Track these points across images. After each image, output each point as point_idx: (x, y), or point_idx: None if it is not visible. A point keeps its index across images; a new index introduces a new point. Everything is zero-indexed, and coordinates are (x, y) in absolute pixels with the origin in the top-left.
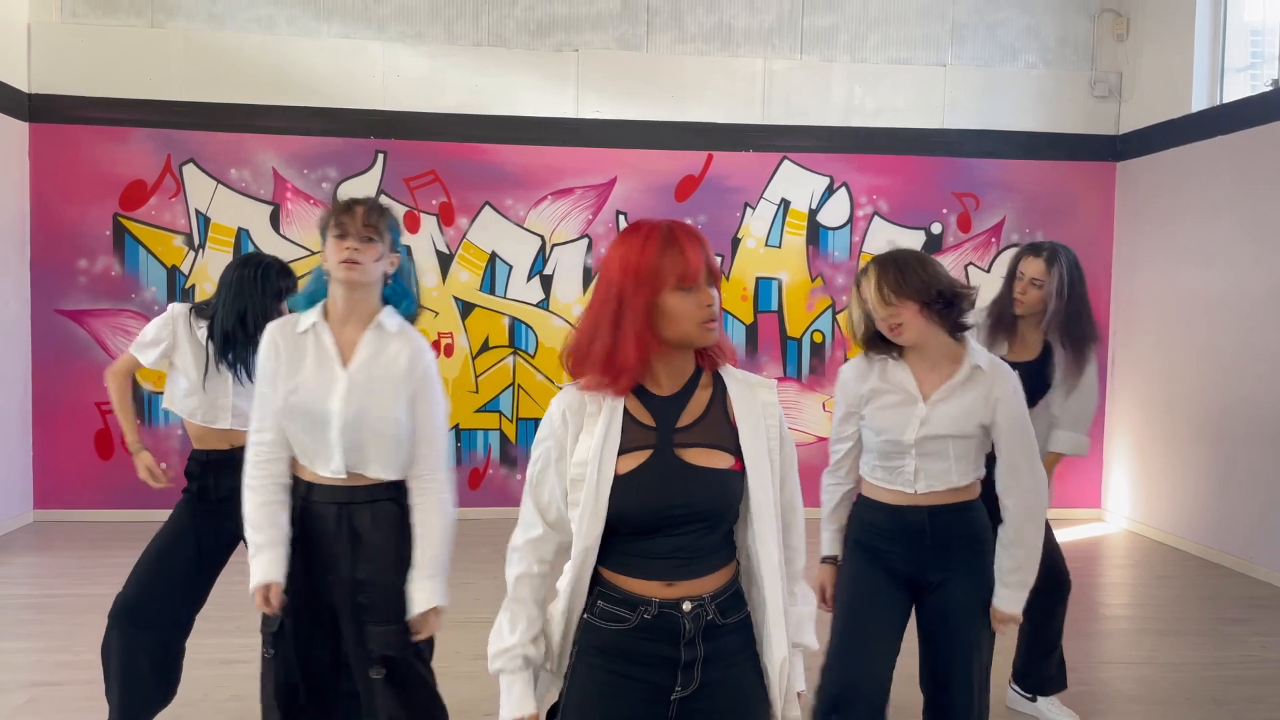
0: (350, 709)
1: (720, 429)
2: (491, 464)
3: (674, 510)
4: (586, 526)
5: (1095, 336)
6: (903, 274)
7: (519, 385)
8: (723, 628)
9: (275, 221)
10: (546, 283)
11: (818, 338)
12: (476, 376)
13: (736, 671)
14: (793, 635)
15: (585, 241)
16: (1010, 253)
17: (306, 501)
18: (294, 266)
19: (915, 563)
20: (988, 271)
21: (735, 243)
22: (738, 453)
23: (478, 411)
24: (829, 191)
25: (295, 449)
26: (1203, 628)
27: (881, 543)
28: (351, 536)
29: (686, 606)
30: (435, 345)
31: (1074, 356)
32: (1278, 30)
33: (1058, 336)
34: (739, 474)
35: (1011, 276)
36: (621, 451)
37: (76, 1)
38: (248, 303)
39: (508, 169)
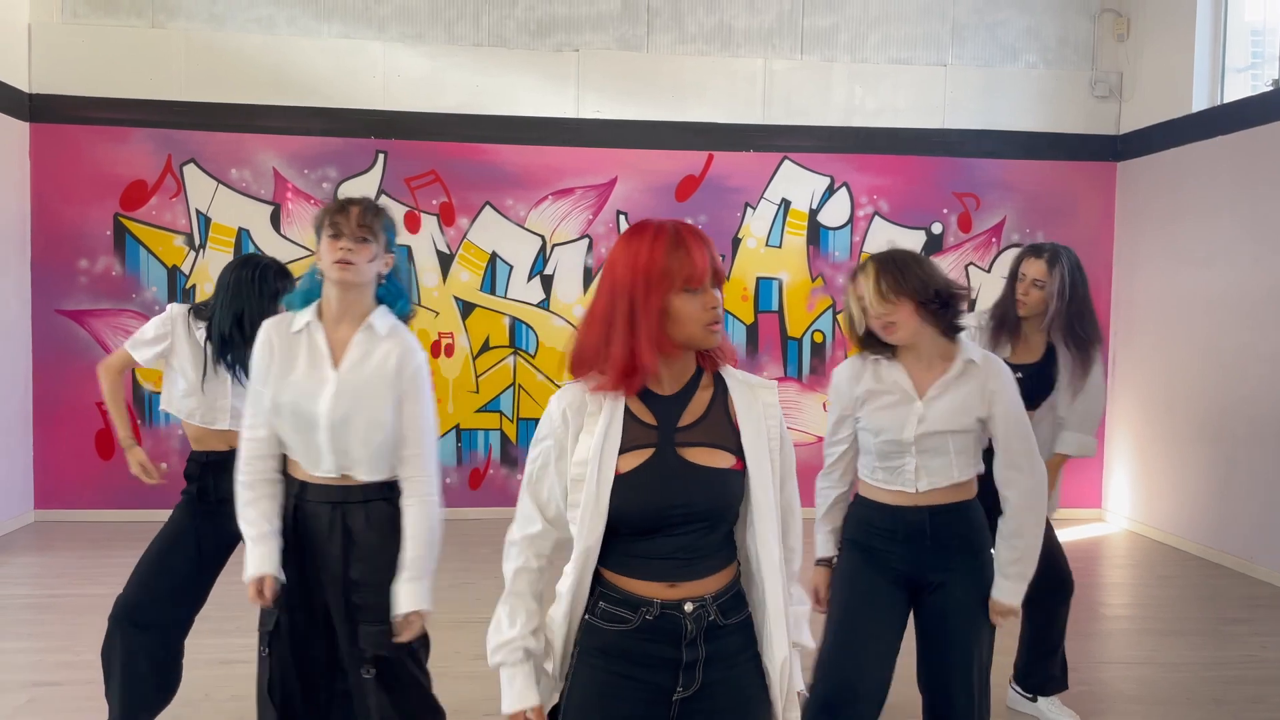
0: (345, 709)
1: (722, 429)
2: (492, 464)
3: (675, 510)
4: (587, 526)
5: (1099, 338)
6: (903, 273)
7: (519, 385)
8: (724, 628)
9: (276, 221)
10: (547, 283)
11: (818, 338)
12: (477, 376)
13: (737, 672)
14: (791, 634)
15: (586, 241)
16: (1011, 253)
17: (300, 501)
18: (295, 267)
19: (915, 563)
20: (988, 272)
21: (736, 243)
22: (739, 453)
23: (478, 411)
24: (829, 191)
25: (287, 448)
26: (1203, 628)
27: (880, 543)
28: (345, 536)
29: (688, 607)
30: (436, 345)
31: (1078, 357)
32: (1278, 30)
33: (1061, 338)
34: (740, 474)
35: (1013, 278)
36: (623, 450)
37: (77, 2)
38: (245, 304)
39: (508, 169)
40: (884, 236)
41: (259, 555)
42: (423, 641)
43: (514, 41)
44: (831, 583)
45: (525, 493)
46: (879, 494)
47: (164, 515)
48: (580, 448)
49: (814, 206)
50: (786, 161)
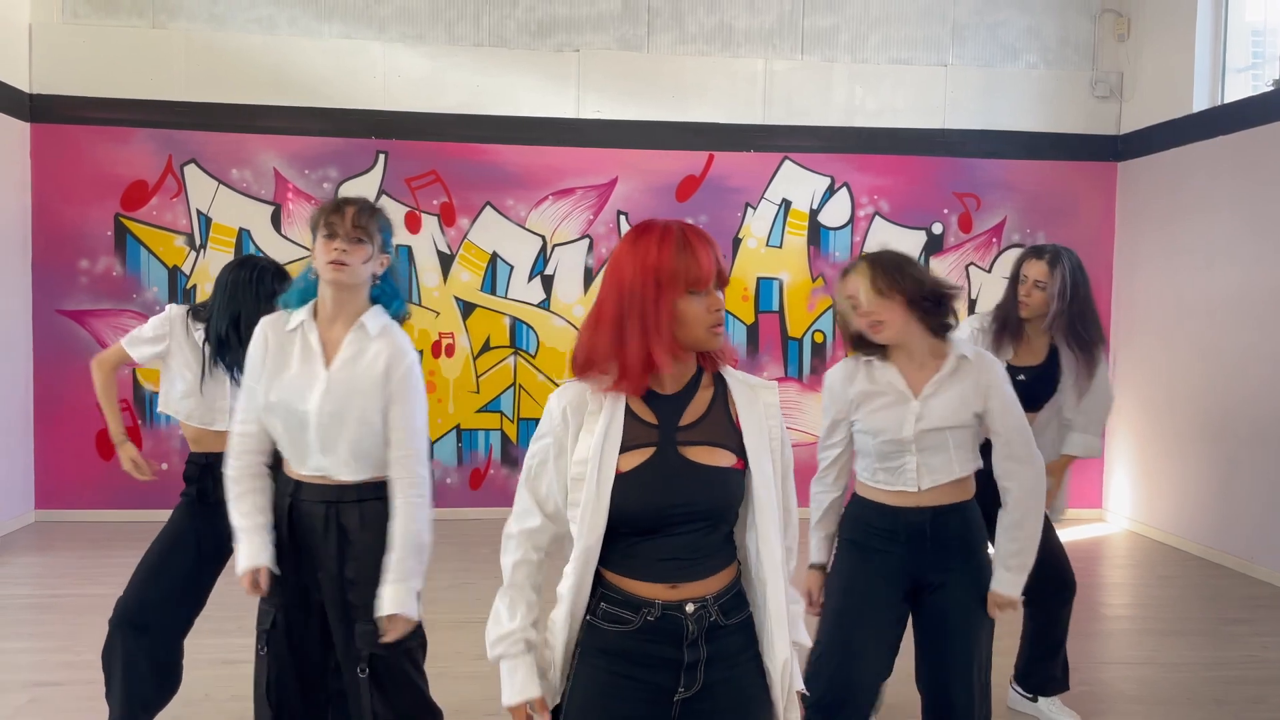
0: (342, 708)
1: (723, 428)
2: (493, 464)
3: (676, 509)
4: (588, 526)
5: (1101, 338)
6: (896, 271)
7: (520, 385)
8: (725, 628)
9: (276, 222)
10: (547, 283)
11: (818, 338)
12: (478, 377)
13: (739, 672)
14: (790, 634)
15: (586, 242)
16: (1011, 253)
17: (295, 500)
18: (295, 267)
19: (915, 564)
20: (989, 272)
21: (736, 243)
22: (740, 452)
23: (479, 412)
24: (830, 192)
25: (279, 445)
26: (1204, 628)
27: (879, 543)
28: (340, 535)
29: (690, 608)
30: (436, 345)
31: (1082, 358)
32: (1279, 30)
33: (1063, 339)
34: (741, 473)
35: (1015, 280)
36: (624, 449)
37: (78, 2)
38: (241, 306)
39: (509, 169)
40: (884, 236)
41: (252, 547)
42: (419, 641)
43: (514, 42)
44: (827, 582)
45: (523, 488)
46: (879, 495)
47: (164, 515)
48: (580, 446)
49: (814, 207)
50: (787, 162)
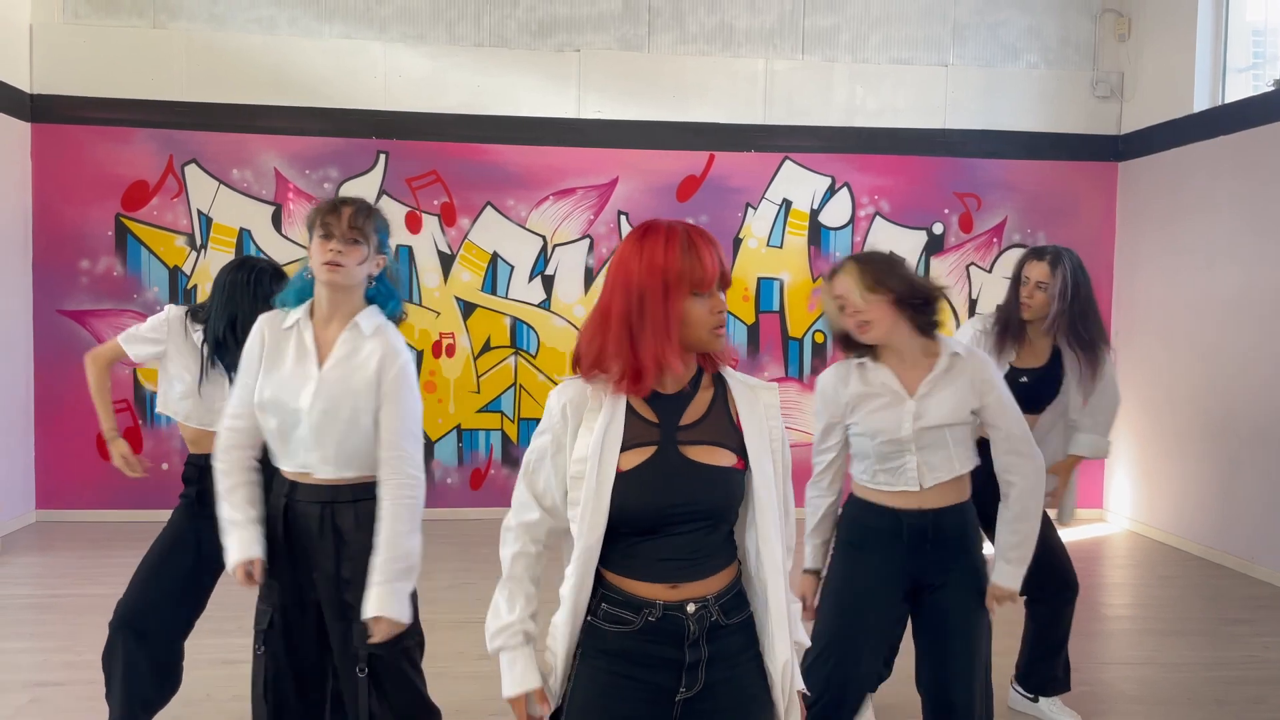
0: (340, 707)
1: (723, 428)
2: (493, 464)
3: (676, 508)
4: (588, 525)
5: (1104, 338)
6: (884, 271)
7: (520, 385)
8: (726, 628)
9: (277, 222)
10: (548, 283)
11: (819, 338)
12: (478, 377)
13: (740, 671)
14: (791, 634)
15: (587, 242)
16: (1012, 253)
17: (291, 500)
18: (295, 267)
19: (914, 565)
20: (989, 272)
21: (737, 243)
22: (740, 452)
23: (479, 412)
24: (830, 192)
25: (269, 442)
26: (1204, 628)
27: (878, 544)
28: (335, 535)
29: (690, 608)
30: (437, 345)
31: (1085, 359)
32: (1279, 30)
33: (1065, 339)
34: (741, 473)
35: (1016, 282)
36: (625, 448)
37: (78, 2)
38: (239, 308)
39: (509, 169)
40: (885, 237)
41: (244, 539)
42: (417, 641)
43: (515, 42)
44: (824, 583)
45: (522, 482)
46: (880, 497)
47: (165, 516)
48: (580, 444)
49: (815, 207)
50: (788, 162)
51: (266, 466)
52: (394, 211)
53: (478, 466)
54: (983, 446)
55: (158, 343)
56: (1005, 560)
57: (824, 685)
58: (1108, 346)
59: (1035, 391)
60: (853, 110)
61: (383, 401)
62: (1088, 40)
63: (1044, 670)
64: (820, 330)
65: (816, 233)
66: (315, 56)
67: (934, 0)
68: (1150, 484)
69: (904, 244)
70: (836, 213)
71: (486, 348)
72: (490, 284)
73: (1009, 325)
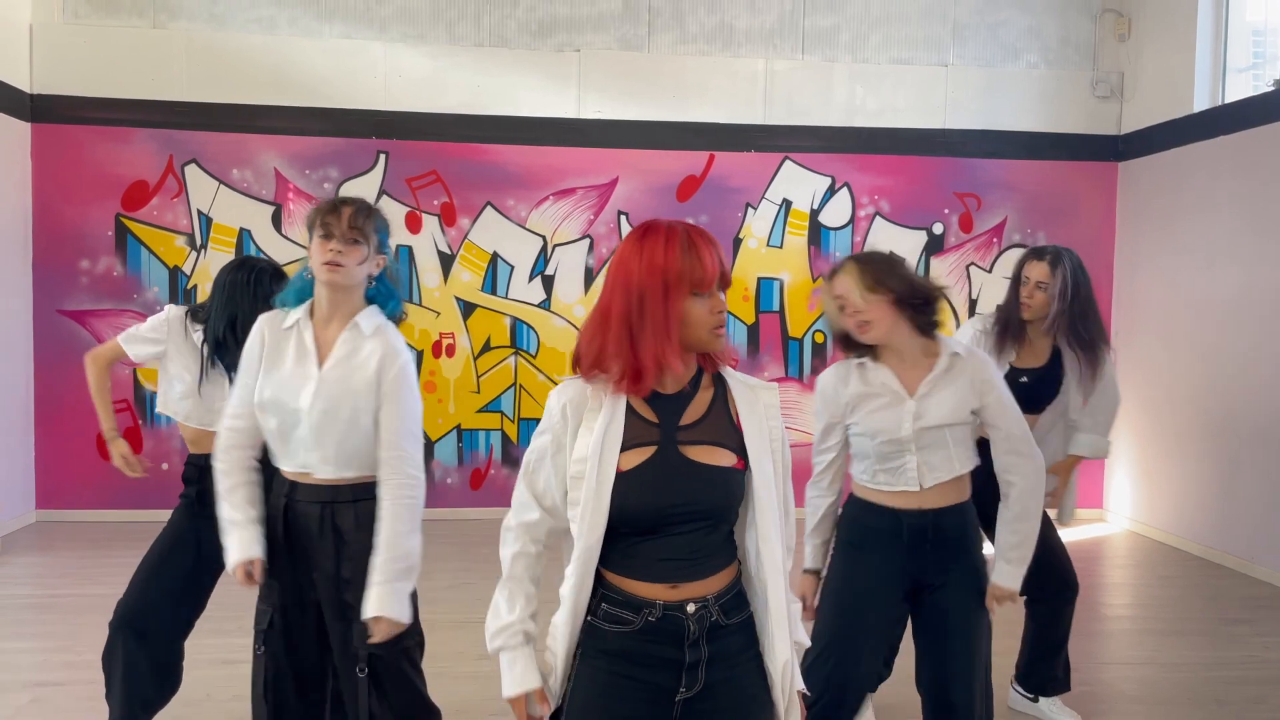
0: (339, 708)
1: (723, 428)
2: (493, 464)
3: (677, 508)
4: (588, 525)
5: (1104, 338)
6: (884, 271)
7: (520, 385)
8: (726, 628)
9: (277, 222)
10: (548, 283)
11: (819, 338)
12: (478, 377)
13: (740, 671)
14: (791, 634)
15: (587, 242)
16: (1012, 253)
17: (291, 501)
18: (295, 268)
19: (915, 565)
20: (989, 272)
21: (737, 243)
22: (740, 452)
23: (479, 412)
24: (830, 192)
25: (268, 441)
26: (1204, 628)
27: (879, 545)
28: (335, 536)
29: (690, 608)
30: (437, 345)
31: (1085, 358)
32: (1279, 30)
33: (1065, 340)
34: (741, 473)
35: (1016, 282)
36: (625, 448)
37: (79, 2)
38: (238, 309)
39: (509, 169)
40: (885, 237)
41: (244, 539)
42: (417, 641)
43: (515, 42)
44: (824, 583)
45: (522, 482)
46: (880, 497)
47: (165, 516)
48: (580, 444)
49: (815, 207)
50: (788, 162)
51: (266, 466)
52: (394, 211)
53: (478, 466)
54: (982, 446)
55: (157, 343)
56: (1005, 560)
57: (824, 685)
58: (1108, 346)
59: (1035, 392)
60: (853, 110)
61: (383, 401)
62: (1088, 40)
63: (1044, 670)
64: (820, 330)
65: (816, 233)
66: (315, 56)
67: (934, 0)
68: (1150, 484)
69: (904, 244)
70: (836, 213)
71: (486, 348)
72: (490, 284)
73: (1009, 325)
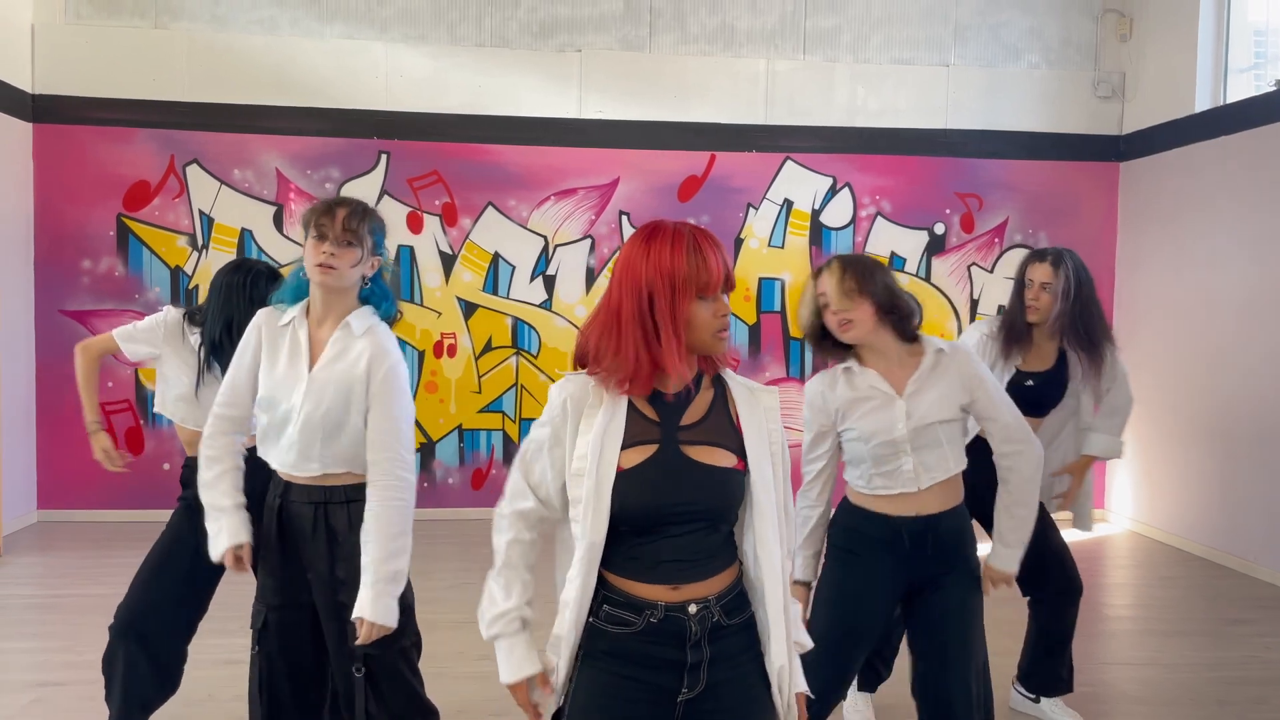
0: (336, 707)
1: (723, 429)
2: (495, 464)
3: (677, 507)
4: (590, 523)
5: (1109, 337)
6: (870, 273)
7: (522, 386)
8: (728, 628)
9: (278, 222)
10: (549, 283)
11: None
12: (479, 377)
13: (742, 671)
14: (793, 635)
15: (588, 242)
16: (1012, 254)
17: (285, 501)
18: (294, 268)
19: (912, 569)
20: (991, 272)
21: (738, 243)
22: (741, 453)
23: (481, 412)
24: (832, 192)
25: (261, 442)
26: (1206, 629)
27: (876, 549)
28: (329, 536)
29: (692, 609)
30: (438, 345)
31: (1089, 359)
32: None
33: (1071, 341)
34: (742, 474)
35: (1020, 285)
36: (626, 446)
37: (80, 2)
38: (234, 311)
39: (511, 169)
40: (886, 237)
41: (232, 525)
42: (414, 641)
43: (516, 42)
44: (819, 589)
45: (518, 470)
46: (877, 503)
47: (166, 515)
48: (580, 441)
49: (816, 207)
50: (789, 162)
51: (264, 466)
52: (395, 212)
53: (479, 466)
54: (976, 448)
55: (151, 344)
56: (1004, 544)
57: (822, 688)
58: (1113, 345)
59: (1040, 395)
60: (854, 110)
61: (371, 402)
62: (1089, 40)
63: (1046, 671)
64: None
65: (818, 233)
66: (317, 57)
67: (935, 1)
68: (1152, 484)
69: (905, 244)
70: (838, 213)
71: (488, 348)
72: (492, 284)
73: (1014, 329)
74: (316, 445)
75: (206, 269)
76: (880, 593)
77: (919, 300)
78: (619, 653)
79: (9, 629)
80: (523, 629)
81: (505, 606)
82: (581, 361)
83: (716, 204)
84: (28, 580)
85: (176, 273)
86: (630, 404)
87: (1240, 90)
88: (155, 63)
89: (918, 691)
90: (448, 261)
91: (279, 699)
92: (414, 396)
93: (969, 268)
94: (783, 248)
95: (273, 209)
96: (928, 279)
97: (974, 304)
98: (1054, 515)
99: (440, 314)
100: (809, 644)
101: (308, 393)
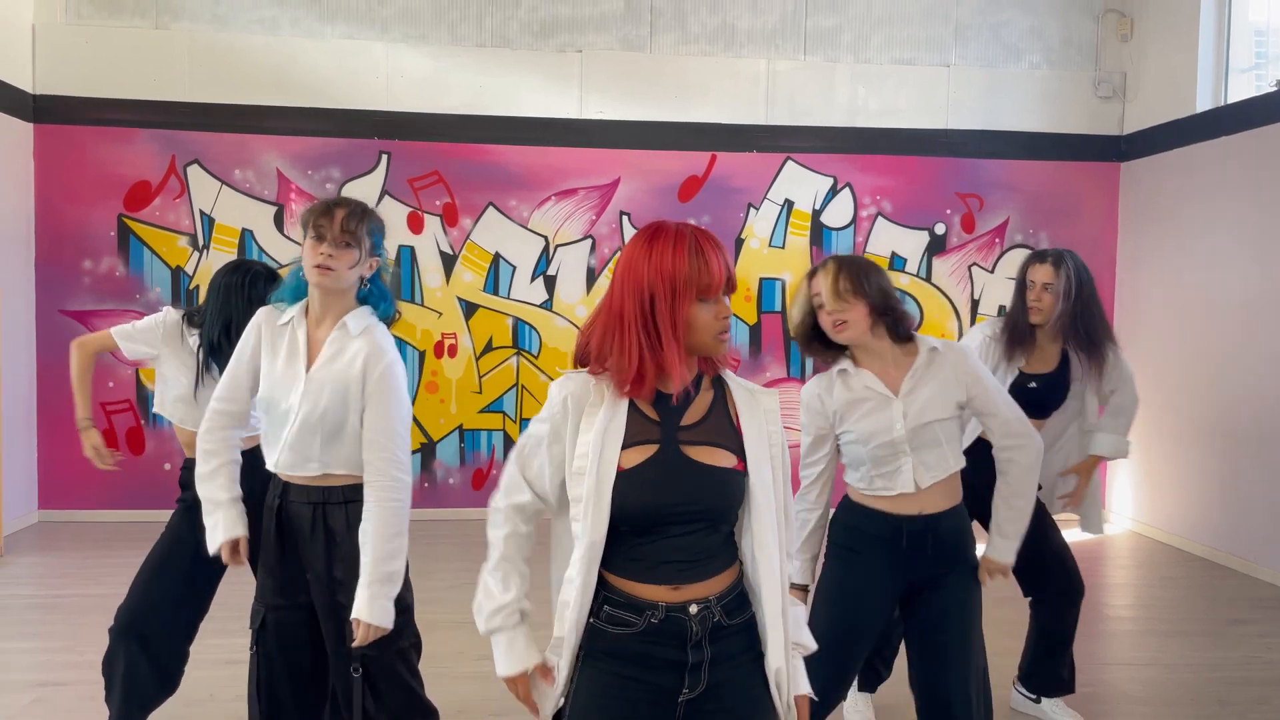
0: (336, 707)
1: (724, 429)
2: (495, 464)
3: (677, 507)
4: (590, 523)
5: (1110, 336)
6: (865, 274)
7: (522, 386)
8: (729, 629)
9: (279, 222)
10: (550, 283)
11: None
12: (480, 377)
13: (743, 671)
14: (792, 635)
15: (589, 242)
16: (1013, 254)
17: (284, 501)
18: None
19: (912, 569)
20: (991, 272)
21: (739, 243)
22: (741, 454)
23: (481, 412)
24: (832, 192)
25: (263, 440)
26: (1207, 629)
27: (877, 549)
28: (327, 536)
29: (693, 609)
30: (439, 346)
31: (1091, 359)
32: None
33: (1071, 341)
34: (742, 474)
35: (1021, 287)
36: (626, 445)
37: (81, 3)
38: (233, 312)
39: (511, 169)
40: (887, 237)
41: (229, 518)
42: (413, 641)
43: (517, 42)
44: (819, 589)
45: (515, 464)
46: (878, 503)
47: (167, 516)
48: (581, 440)
49: (817, 207)
50: (789, 162)
51: (261, 465)
52: (396, 212)
53: (479, 467)
54: (976, 448)
55: (149, 344)
56: (1001, 535)
57: (822, 688)
58: (1114, 345)
59: (1043, 397)
60: (855, 111)
61: (367, 402)
62: (1090, 40)
63: (1047, 671)
64: None
65: (819, 233)
66: (317, 57)
67: (936, 1)
68: (1153, 484)
69: (906, 244)
70: (838, 213)
71: (489, 348)
72: (492, 284)
73: (1017, 331)
74: (315, 446)
75: (207, 269)
76: (881, 590)
77: (919, 302)
78: (620, 653)
79: (10, 629)
80: (522, 622)
81: (504, 600)
82: (582, 361)
83: (717, 204)
84: (28, 580)
85: (177, 273)
86: (631, 404)
87: (1241, 90)
88: (156, 63)
89: (917, 691)
90: (448, 262)
91: (278, 699)
92: (415, 396)
93: (970, 268)
94: (783, 248)
95: (273, 209)
96: (928, 279)
97: (974, 304)
98: (1061, 517)
99: (441, 314)
100: (812, 646)
101: (305, 393)
